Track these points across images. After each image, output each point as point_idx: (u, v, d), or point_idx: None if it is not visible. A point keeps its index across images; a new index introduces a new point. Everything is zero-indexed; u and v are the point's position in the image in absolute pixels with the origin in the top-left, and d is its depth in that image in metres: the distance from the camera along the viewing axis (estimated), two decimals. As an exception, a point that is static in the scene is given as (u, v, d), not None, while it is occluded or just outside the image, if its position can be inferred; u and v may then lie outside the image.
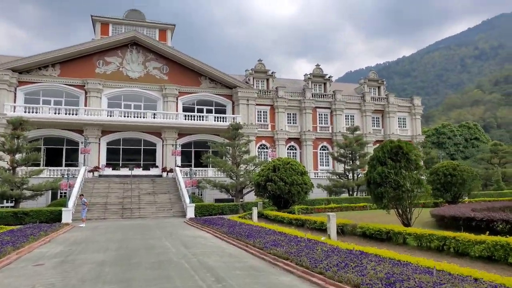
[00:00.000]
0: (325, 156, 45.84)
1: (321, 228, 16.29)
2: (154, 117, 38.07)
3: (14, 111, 33.67)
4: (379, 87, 50.70)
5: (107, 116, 36.63)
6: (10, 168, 27.88)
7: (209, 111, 41.80)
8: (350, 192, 36.72)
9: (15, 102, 35.42)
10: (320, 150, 45.83)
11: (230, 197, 33.81)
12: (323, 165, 45.59)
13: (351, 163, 38.16)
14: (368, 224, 13.49)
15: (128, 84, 39.39)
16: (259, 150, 43.20)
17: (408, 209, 13.27)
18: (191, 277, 8.77)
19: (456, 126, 69.77)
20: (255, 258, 11.01)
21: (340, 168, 41.55)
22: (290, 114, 45.56)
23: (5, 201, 29.22)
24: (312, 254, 9.54)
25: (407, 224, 13.45)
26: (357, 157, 38.25)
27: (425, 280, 6.81)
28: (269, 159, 36.04)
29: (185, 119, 39.00)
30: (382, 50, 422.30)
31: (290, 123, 45.44)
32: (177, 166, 36.89)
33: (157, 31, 44.01)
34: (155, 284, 8.15)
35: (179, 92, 40.62)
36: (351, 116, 47.88)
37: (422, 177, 12.84)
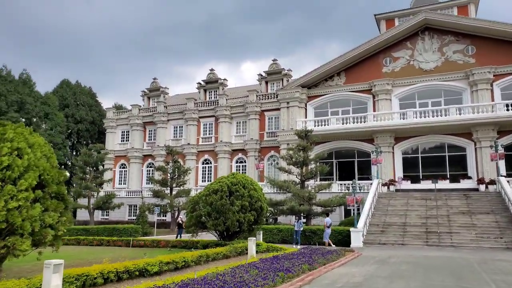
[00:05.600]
0: None
1: None
2: (459, 113, 29.02)
3: (305, 126, 33.30)
4: None
5: (400, 119, 30.91)
6: (299, 182, 26.46)
7: (547, 95, 28.28)
8: None
9: (306, 117, 35.35)
10: None
11: None
12: None
13: None
14: None
15: (421, 79, 32.26)
16: None
17: None
18: None
19: None
20: None
21: None
22: None
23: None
24: None
25: None
26: None
27: None
28: None
29: (508, 109, 27.64)
30: None
31: None
32: (501, 175, 25.99)
33: (455, 9, 35.26)
34: None
35: (494, 75, 29.70)
36: None
37: None
